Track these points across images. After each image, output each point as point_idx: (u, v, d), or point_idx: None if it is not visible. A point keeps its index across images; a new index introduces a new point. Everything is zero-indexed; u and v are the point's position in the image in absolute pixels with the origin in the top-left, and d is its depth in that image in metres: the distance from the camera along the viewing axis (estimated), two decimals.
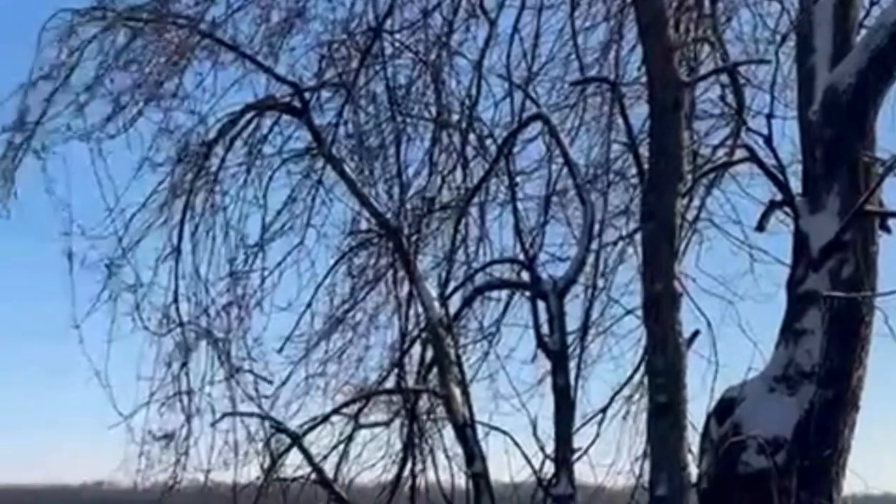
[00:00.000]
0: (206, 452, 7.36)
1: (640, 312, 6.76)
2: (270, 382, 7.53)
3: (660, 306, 5.71)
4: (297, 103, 7.23)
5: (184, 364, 7.41)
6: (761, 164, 6.59)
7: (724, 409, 6.27)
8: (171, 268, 7.47)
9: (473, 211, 7.68)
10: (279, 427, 7.09)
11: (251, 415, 7.33)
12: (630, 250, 7.70)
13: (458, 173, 7.64)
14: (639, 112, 6.85)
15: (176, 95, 7.37)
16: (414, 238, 7.30)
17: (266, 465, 7.04)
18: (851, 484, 6.14)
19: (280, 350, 7.69)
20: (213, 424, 7.29)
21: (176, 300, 7.45)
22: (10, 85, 7.14)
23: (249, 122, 7.50)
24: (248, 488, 7.12)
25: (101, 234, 7.35)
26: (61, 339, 7.21)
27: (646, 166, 6.12)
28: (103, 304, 7.36)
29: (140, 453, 7.30)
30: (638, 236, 6.74)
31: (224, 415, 7.30)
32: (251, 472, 7.21)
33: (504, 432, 7.01)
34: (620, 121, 6.73)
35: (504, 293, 7.71)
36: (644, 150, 6.28)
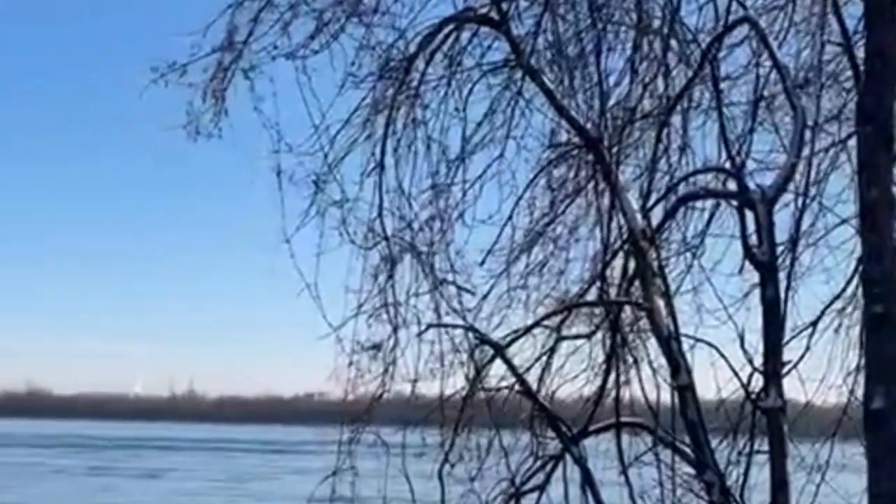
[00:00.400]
0: (413, 363, 7.53)
1: (854, 221, 6.53)
2: (473, 294, 7.62)
3: (876, 214, 5.48)
4: (495, 14, 7.19)
5: (389, 276, 7.54)
6: None
7: None
8: (375, 182, 7.58)
9: (676, 119, 7.49)
10: (483, 338, 7.17)
11: (455, 326, 7.43)
12: (843, 157, 7.40)
13: (660, 81, 7.45)
14: (853, 11, 6.52)
15: (376, 11, 7.42)
16: (615, 149, 7.18)
17: (471, 376, 7.14)
18: None
19: (482, 263, 7.76)
20: (418, 335, 7.43)
21: (380, 214, 7.57)
22: (219, 5, 7.34)
23: (448, 35, 7.49)
24: (453, 398, 7.25)
25: (308, 150, 7.54)
26: (273, 253, 7.46)
27: (861, 68, 5.84)
28: (311, 219, 7.57)
29: (350, 363, 7.51)
30: (852, 142, 6.46)
31: (429, 326, 7.42)
32: (456, 382, 7.34)
33: (710, 344, 6.91)
34: (833, 21, 6.42)
35: (708, 203, 7.54)
36: (859, 52, 5.98)
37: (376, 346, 7.54)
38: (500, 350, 7.04)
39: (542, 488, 7.09)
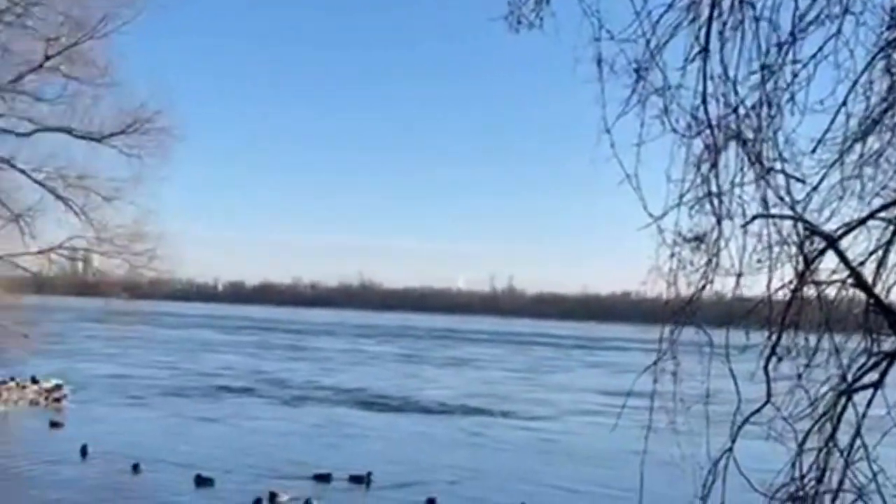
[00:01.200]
0: (738, 255, 7.28)
1: None
2: (803, 184, 7.25)
3: None
4: None
5: (713, 165, 7.30)
6: None
7: None
8: (699, 68, 7.28)
9: None
10: (814, 229, 6.85)
11: (784, 217, 7.11)
12: None
13: None
14: None
15: None
16: None
17: (799, 269, 6.86)
18: None
19: (812, 151, 7.35)
20: (743, 226, 7.17)
21: (704, 101, 7.29)
22: None
23: None
24: (781, 290, 6.98)
25: (629, 37, 7.34)
26: (593, 145, 7.37)
27: None
28: (632, 107, 7.39)
29: (671, 254, 7.37)
30: None
31: (755, 216, 7.14)
32: (784, 275, 7.07)
33: None
34: None
35: None
36: None
37: (699, 238, 7.36)
38: (832, 242, 6.70)
39: (876, 386, 6.75)
